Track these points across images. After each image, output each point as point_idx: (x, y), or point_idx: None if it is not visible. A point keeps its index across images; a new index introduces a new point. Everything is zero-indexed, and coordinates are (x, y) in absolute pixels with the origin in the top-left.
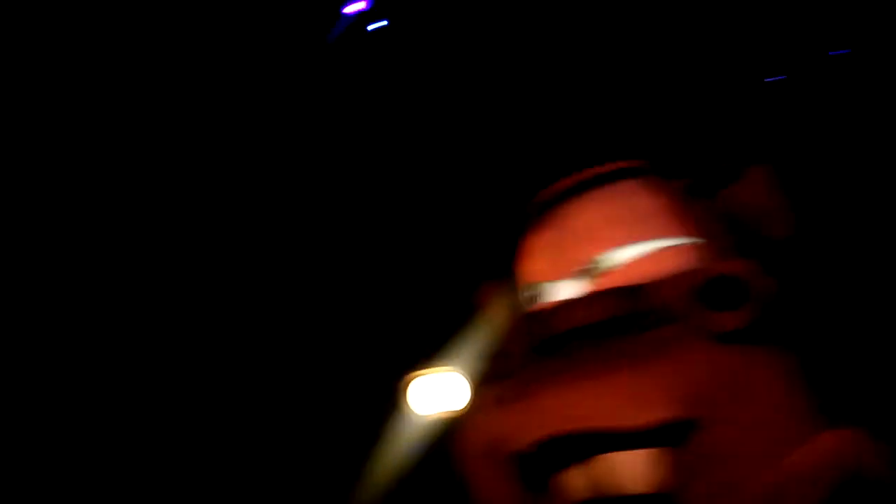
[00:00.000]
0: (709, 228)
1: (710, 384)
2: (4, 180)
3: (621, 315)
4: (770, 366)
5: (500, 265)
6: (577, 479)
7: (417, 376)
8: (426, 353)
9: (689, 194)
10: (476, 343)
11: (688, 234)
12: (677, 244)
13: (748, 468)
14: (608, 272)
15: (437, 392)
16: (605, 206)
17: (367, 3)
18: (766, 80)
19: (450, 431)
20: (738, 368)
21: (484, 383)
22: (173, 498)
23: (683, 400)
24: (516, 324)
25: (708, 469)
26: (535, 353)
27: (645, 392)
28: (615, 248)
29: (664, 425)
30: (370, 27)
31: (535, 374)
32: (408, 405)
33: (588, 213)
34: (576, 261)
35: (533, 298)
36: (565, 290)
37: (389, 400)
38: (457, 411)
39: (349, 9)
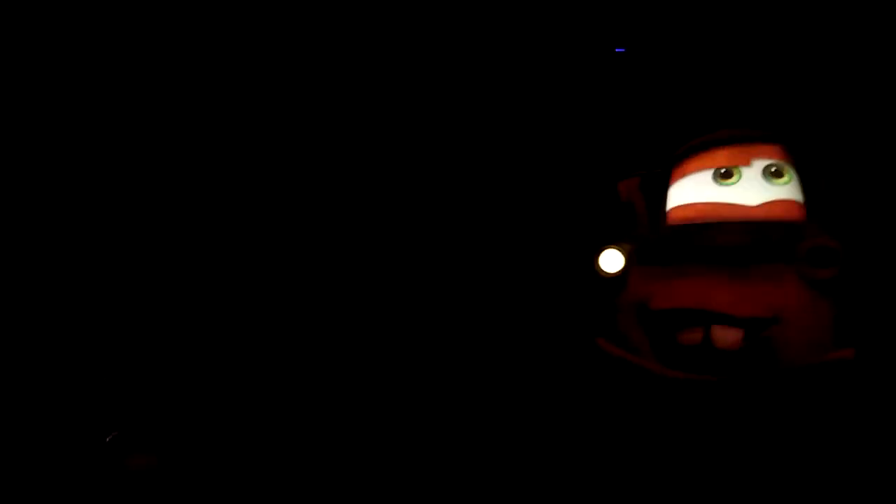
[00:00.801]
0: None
1: (790, 303)
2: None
3: (750, 244)
4: (821, 303)
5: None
6: (691, 335)
7: (603, 249)
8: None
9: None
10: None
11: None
12: (796, 199)
13: (798, 351)
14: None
15: (607, 260)
16: (751, 146)
17: None
18: None
19: (613, 285)
20: (807, 298)
21: (634, 260)
22: None
23: (773, 308)
24: (666, 228)
25: (775, 345)
26: (677, 251)
27: (753, 297)
28: (759, 160)
29: (757, 318)
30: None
31: (672, 268)
32: (598, 266)
33: (740, 147)
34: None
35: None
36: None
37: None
38: (616, 273)
39: None
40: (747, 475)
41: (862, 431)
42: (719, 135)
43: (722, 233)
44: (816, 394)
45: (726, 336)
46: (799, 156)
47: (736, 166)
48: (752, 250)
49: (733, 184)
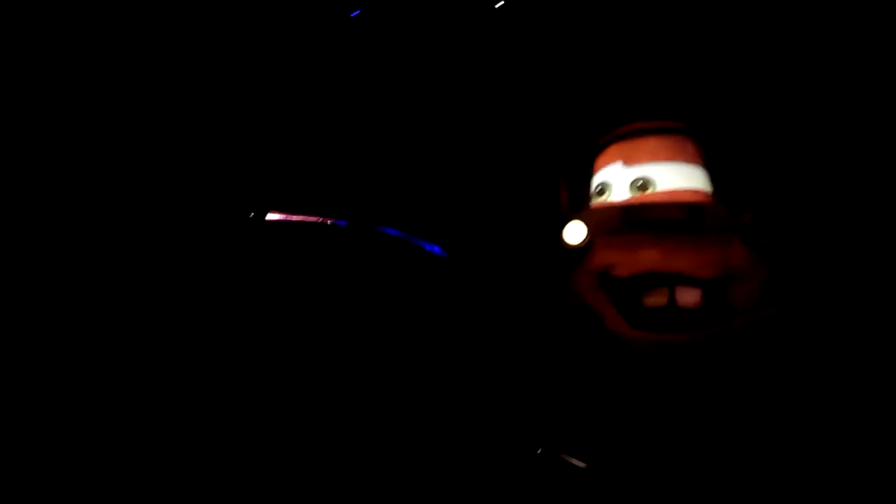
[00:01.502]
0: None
1: (740, 264)
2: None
3: (685, 218)
4: (760, 265)
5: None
6: (656, 298)
7: (570, 221)
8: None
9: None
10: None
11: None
12: (704, 188)
13: (746, 303)
14: (656, 190)
15: (571, 231)
16: (662, 140)
17: None
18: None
19: (575, 256)
20: (753, 260)
21: (593, 233)
22: None
23: (727, 268)
24: (617, 207)
25: (730, 302)
26: (632, 226)
27: (708, 259)
28: (667, 162)
29: (713, 277)
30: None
31: (633, 237)
32: (562, 238)
33: (651, 141)
34: (638, 168)
35: (602, 191)
36: (625, 193)
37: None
38: (579, 244)
39: None
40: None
41: (796, 381)
42: (633, 126)
43: (656, 209)
44: (760, 347)
45: (689, 296)
46: (709, 146)
47: (651, 161)
48: (689, 222)
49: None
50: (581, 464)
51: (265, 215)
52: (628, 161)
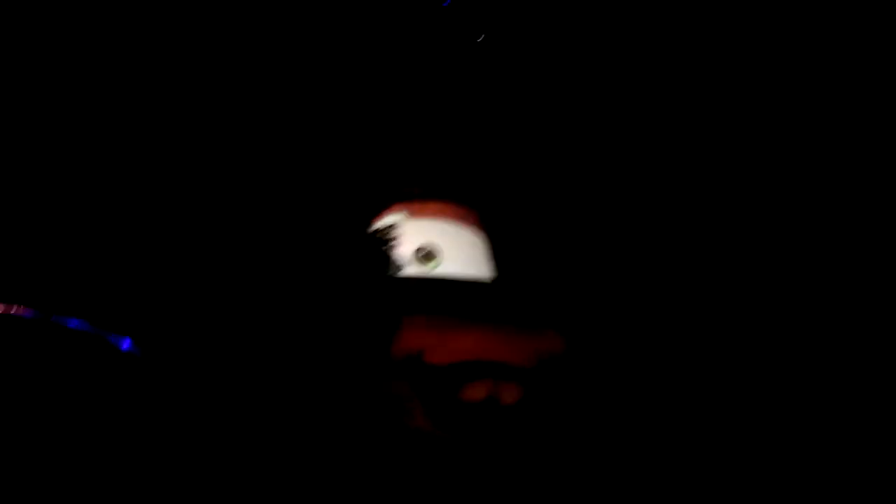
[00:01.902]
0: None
1: (557, 351)
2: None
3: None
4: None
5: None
6: (475, 391)
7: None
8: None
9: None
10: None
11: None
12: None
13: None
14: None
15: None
16: (447, 208)
17: None
18: None
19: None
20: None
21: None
22: None
23: (542, 355)
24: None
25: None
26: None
27: (520, 350)
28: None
29: (531, 367)
30: None
31: (449, 321)
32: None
33: (435, 207)
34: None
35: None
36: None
37: None
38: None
39: None
40: None
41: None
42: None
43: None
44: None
45: (510, 391)
46: (489, 218)
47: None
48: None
49: None
50: None
51: None
52: (414, 219)
